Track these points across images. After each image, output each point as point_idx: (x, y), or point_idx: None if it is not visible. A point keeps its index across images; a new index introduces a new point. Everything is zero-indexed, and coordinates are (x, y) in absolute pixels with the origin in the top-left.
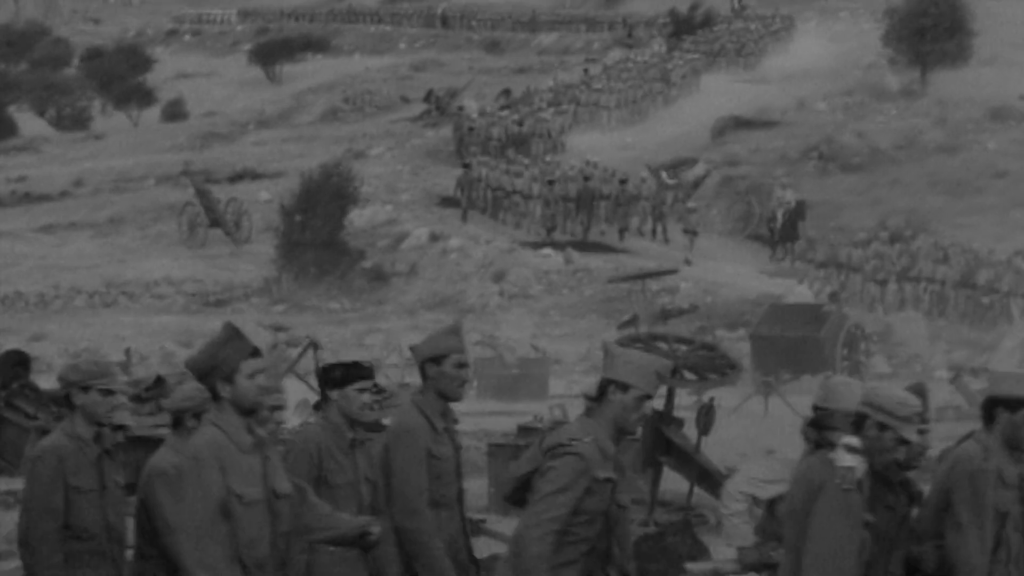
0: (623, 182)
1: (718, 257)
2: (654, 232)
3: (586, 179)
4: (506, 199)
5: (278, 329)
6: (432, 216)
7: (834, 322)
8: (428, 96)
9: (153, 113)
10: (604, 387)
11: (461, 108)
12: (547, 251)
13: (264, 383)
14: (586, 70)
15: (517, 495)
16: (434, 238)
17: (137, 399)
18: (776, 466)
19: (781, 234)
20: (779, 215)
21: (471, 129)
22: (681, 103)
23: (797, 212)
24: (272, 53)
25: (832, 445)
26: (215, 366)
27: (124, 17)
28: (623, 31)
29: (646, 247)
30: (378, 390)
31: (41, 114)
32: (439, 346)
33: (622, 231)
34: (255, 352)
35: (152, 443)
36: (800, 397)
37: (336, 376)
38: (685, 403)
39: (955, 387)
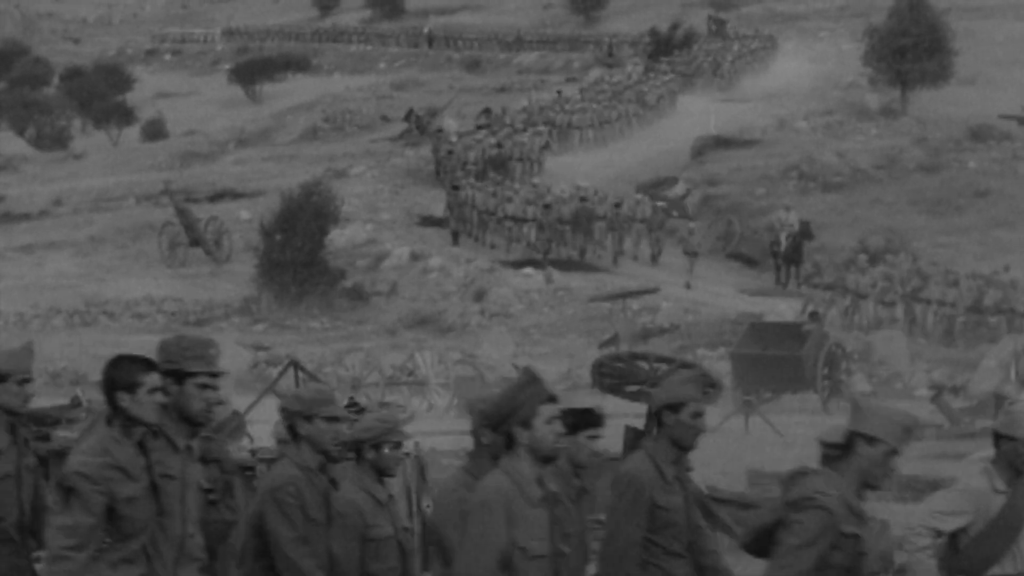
0: (618, 205)
1: (698, 276)
2: (654, 256)
3: (582, 199)
4: (497, 223)
5: (258, 348)
6: (413, 235)
7: (814, 341)
8: (408, 115)
9: (133, 132)
10: (851, 440)
11: (439, 130)
12: (528, 270)
13: (561, 430)
14: (559, 92)
15: (756, 544)
16: (415, 257)
17: None
18: (958, 498)
19: (785, 257)
20: (782, 238)
21: (450, 152)
22: (661, 123)
23: (802, 234)
24: (252, 72)
25: None
26: (513, 411)
27: (104, 36)
28: (603, 50)
29: (637, 269)
30: (359, 410)
31: (20, 133)
32: (678, 394)
33: (616, 255)
34: (552, 398)
35: None
36: (780, 416)
37: (568, 423)
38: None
39: (936, 406)
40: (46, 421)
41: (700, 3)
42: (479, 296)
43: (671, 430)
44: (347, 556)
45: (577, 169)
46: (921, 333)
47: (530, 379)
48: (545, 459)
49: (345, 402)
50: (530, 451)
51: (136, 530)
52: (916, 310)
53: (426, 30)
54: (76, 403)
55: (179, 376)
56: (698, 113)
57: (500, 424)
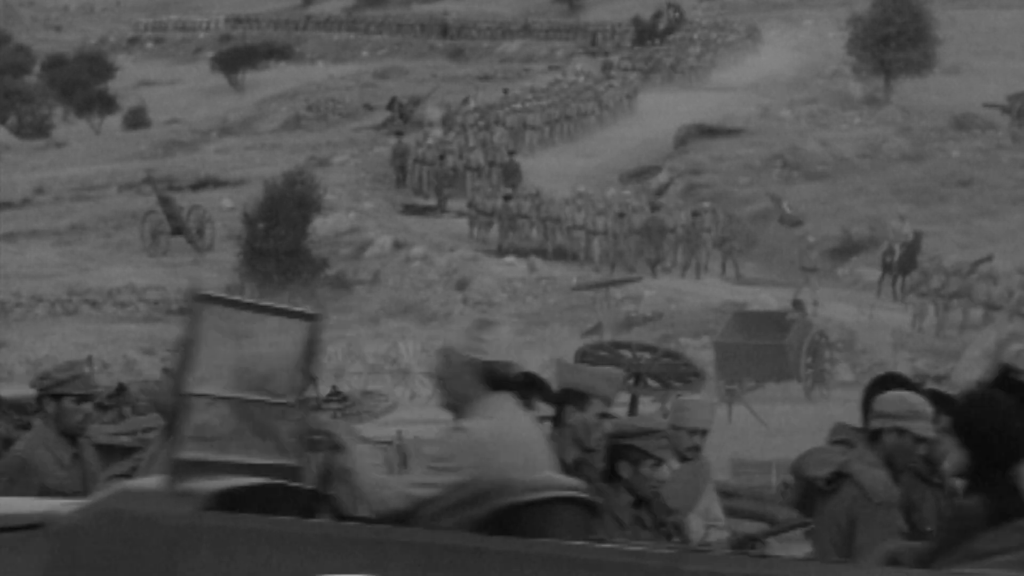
0: (695, 214)
1: (682, 264)
2: (724, 268)
3: (653, 209)
4: (567, 233)
5: None
6: (395, 224)
7: (798, 330)
8: (391, 104)
9: (115, 121)
10: None
11: (400, 134)
12: (510, 259)
13: None
14: (506, 91)
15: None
16: (397, 246)
17: (99, 407)
18: None
19: (898, 268)
20: (896, 248)
21: (442, 157)
22: (618, 122)
23: (915, 245)
24: (235, 60)
25: None
26: None
27: (86, 24)
28: (586, 39)
29: (721, 285)
30: (341, 398)
31: (2, 121)
32: None
33: (696, 267)
34: None
35: (114, 452)
36: (764, 405)
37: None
38: (649, 411)
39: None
40: (27, 410)
41: None
42: (462, 285)
43: None
44: None
45: (547, 166)
46: None
47: None
48: None
49: (328, 391)
50: None
51: None
52: None
53: (443, 19)
54: None
55: None
56: (659, 111)
57: None
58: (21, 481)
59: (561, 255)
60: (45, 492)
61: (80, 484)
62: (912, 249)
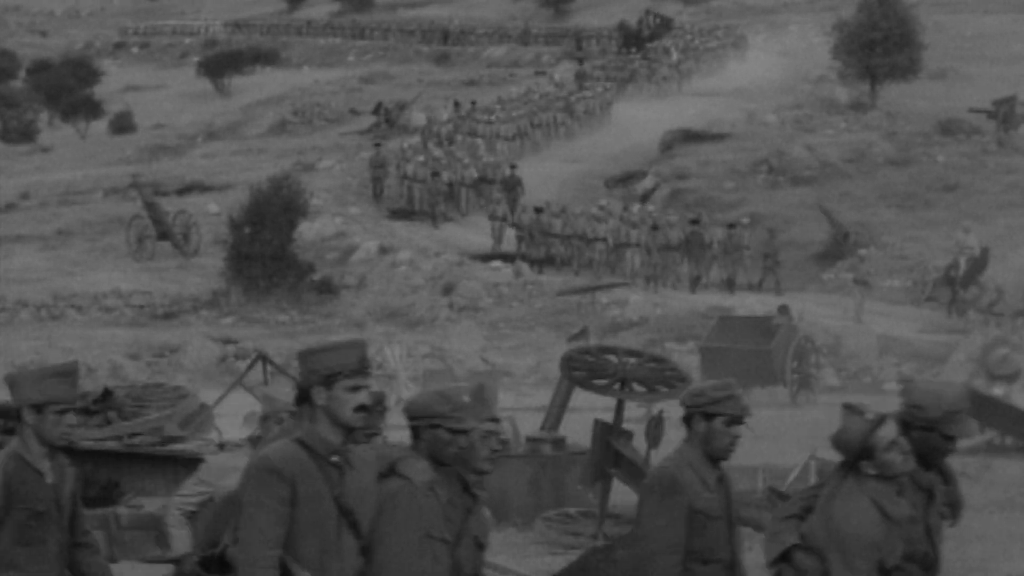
0: (731, 226)
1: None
2: (760, 284)
3: (693, 222)
4: (586, 247)
5: (227, 342)
6: (381, 229)
7: (784, 334)
8: (377, 109)
9: (101, 125)
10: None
11: (379, 144)
12: (496, 263)
13: None
14: (474, 102)
15: None
16: (383, 251)
17: (85, 412)
18: None
19: (963, 283)
20: (962, 262)
21: (435, 174)
22: (623, 120)
23: (982, 260)
24: (221, 65)
25: None
26: None
27: (72, 29)
28: (572, 44)
29: (762, 299)
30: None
31: None
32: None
33: (730, 282)
34: None
35: (98, 456)
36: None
37: None
38: (635, 416)
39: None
40: (11, 416)
41: None
42: (448, 290)
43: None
44: None
45: (533, 173)
46: None
47: None
48: None
49: None
50: None
51: None
52: None
53: (443, 26)
54: None
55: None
56: (642, 117)
57: None
58: (670, 499)
59: (551, 262)
60: (692, 514)
61: (723, 509)
62: (978, 265)
